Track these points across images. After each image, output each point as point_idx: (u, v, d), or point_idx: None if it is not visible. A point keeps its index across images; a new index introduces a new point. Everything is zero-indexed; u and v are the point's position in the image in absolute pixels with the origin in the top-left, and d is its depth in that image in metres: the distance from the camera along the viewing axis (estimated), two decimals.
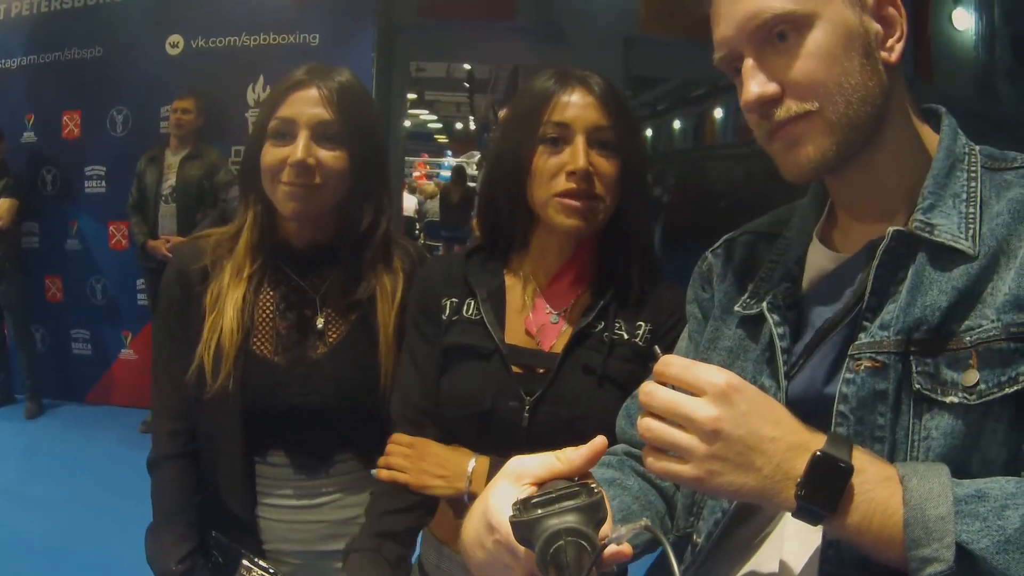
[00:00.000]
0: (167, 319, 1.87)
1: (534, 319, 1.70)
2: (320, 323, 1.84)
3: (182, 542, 1.80)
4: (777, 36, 1.07)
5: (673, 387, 1.01)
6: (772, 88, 1.07)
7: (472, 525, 1.03)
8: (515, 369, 1.66)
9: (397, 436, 1.74)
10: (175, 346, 1.84)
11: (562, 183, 1.61)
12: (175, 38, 6.62)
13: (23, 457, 5.90)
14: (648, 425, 1.01)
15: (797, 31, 1.06)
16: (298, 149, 1.72)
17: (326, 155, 1.75)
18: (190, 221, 5.86)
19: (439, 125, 26.90)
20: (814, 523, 0.95)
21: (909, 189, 1.11)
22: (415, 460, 1.68)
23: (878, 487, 0.93)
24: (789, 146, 1.10)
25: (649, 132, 14.91)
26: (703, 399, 0.97)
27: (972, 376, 0.98)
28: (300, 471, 1.83)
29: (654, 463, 1.02)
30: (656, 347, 1.07)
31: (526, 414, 1.61)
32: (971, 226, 1.05)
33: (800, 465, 0.94)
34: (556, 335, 1.69)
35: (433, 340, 1.74)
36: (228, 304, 1.78)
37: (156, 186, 6.04)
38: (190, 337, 1.80)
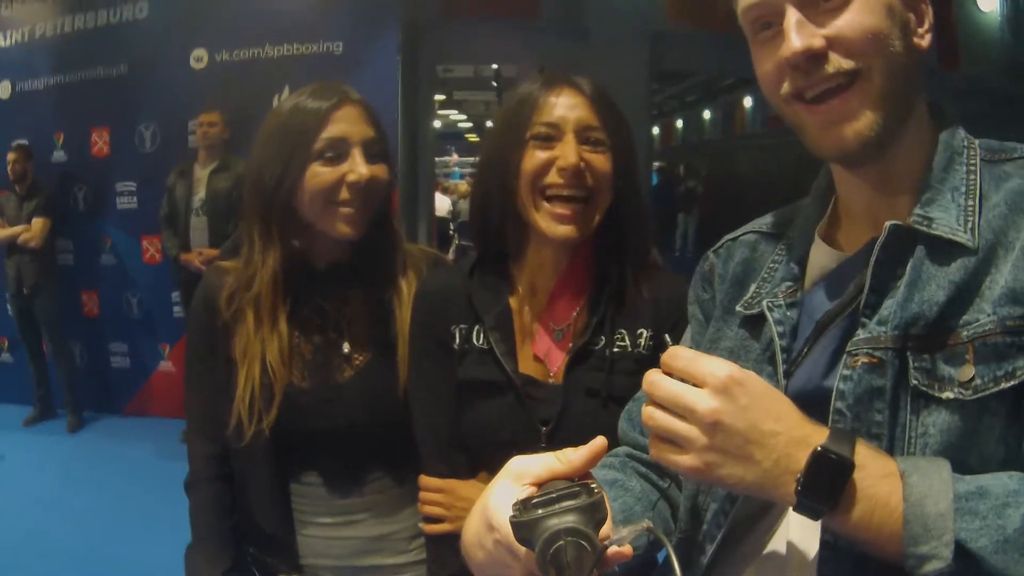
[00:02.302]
0: (196, 345, 1.88)
1: (540, 342, 1.69)
2: (346, 347, 1.82)
3: (219, 561, 1.83)
4: None
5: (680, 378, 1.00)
6: (819, 42, 1.04)
7: (472, 525, 1.03)
8: (529, 399, 1.66)
9: (426, 481, 1.75)
10: (205, 371, 1.85)
11: (552, 178, 1.60)
12: (199, 52, 6.67)
13: (65, 469, 5.96)
14: (651, 413, 1.01)
15: None
16: (360, 166, 1.71)
17: (377, 169, 1.75)
18: (221, 232, 5.90)
19: (469, 124, 26.92)
20: (814, 518, 0.94)
21: (912, 183, 1.10)
22: (448, 505, 1.70)
23: (879, 483, 0.92)
24: (834, 121, 1.07)
25: (680, 124, 14.85)
26: (704, 391, 0.96)
27: (968, 371, 0.97)
28: (334, 491, 1.83)
29: (656, 452, 1.02)
30: (667, 336, 1.07)
31: (543, 444, 1.61)
32: (970, 219, 1.04)
33: (801, 460, 0.93)
34: (563, 354, 1.68)
35: (448, 368, 1.72)
36: (268, 353, 1.75)
37: (186, 199, 6.09)
38: (217, 367, 1.81)
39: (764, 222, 1.35)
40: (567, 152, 1.58)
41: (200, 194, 6.07)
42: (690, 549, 1.23)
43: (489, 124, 26.50)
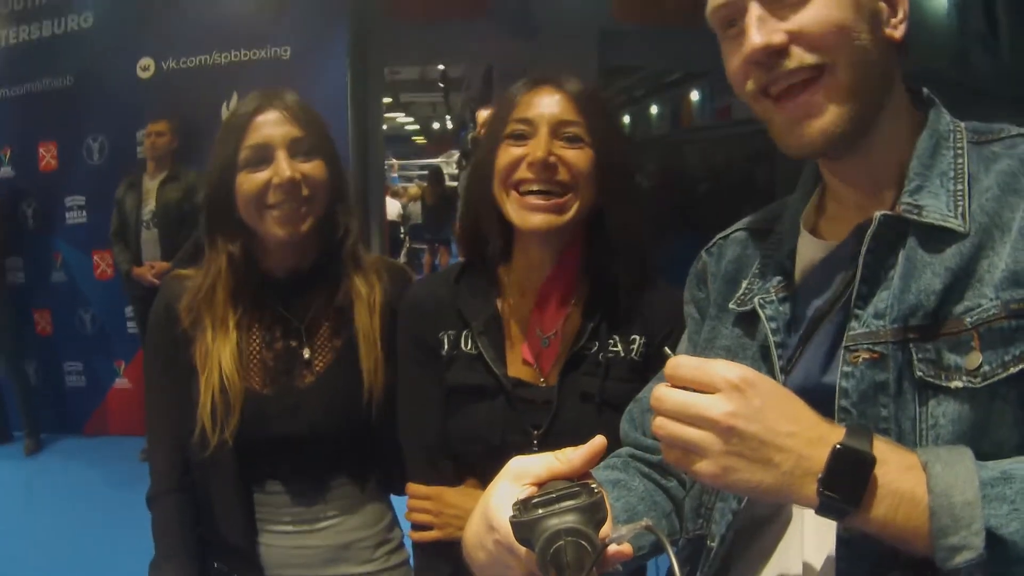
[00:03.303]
0: (156, 356, 1.88)
1: (529, 345, 1.68)
2: (307, 353, 1.84)
3: (183, 574, 1.81)
4: None
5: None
6: (779, 38, 1.05)
7: (473, 526, 1.03)
8: (519, 403, 1.65)
9: (413, 488, 1.75)
10: (166, 382, 1.85)
11: (521, 173, 1.59)
12: (146, 61, 6.56)
13: (24, 494, 5.84)
14: (662, 424, 0.98)
15: None
16: (283, 167, 1.72)
17: (307, 167, 1.76)
18: (173, 245, 5.82)
19: (416, 127, 26.93)
20: (838, 519, 0.93)
21: (898, 171, 1.10)
22: (436, 512, 1.70)
23: (901, 477, 0.90)
24: (799, 118, 1.07)
25: (627, 119, 14.92)
26: (716, 396, 0.94)
27: (975, 359, 0.97)
28: (297, 498, 1.84)
29: (670, 460, 1.00)
30: (666, 348, 1.06)
31: (535, 448, 1.60)
32: (960, 203, 1.03)
33: (820, 459, 0.91)
34: (552, 359, 1.67)
35: (436, 375, 1.72)
36: (223, 359, 1.77)
37: (136, 212, 5.98)
38: (177, 377, 1.81)
39: (753, 218, 1.35)
40: (537, 146, 1.58)
41: (150, 206, 5.97)
42: (698, 550, 1.22)
43: (436, 126, 26.69)
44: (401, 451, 1.79)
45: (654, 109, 14.81)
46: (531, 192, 1.58)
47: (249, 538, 1.82)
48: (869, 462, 0.89)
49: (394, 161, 24.65)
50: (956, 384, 0.97)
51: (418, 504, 1.73)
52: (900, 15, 1.10)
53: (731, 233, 1.36)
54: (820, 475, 0.90)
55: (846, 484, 0.90)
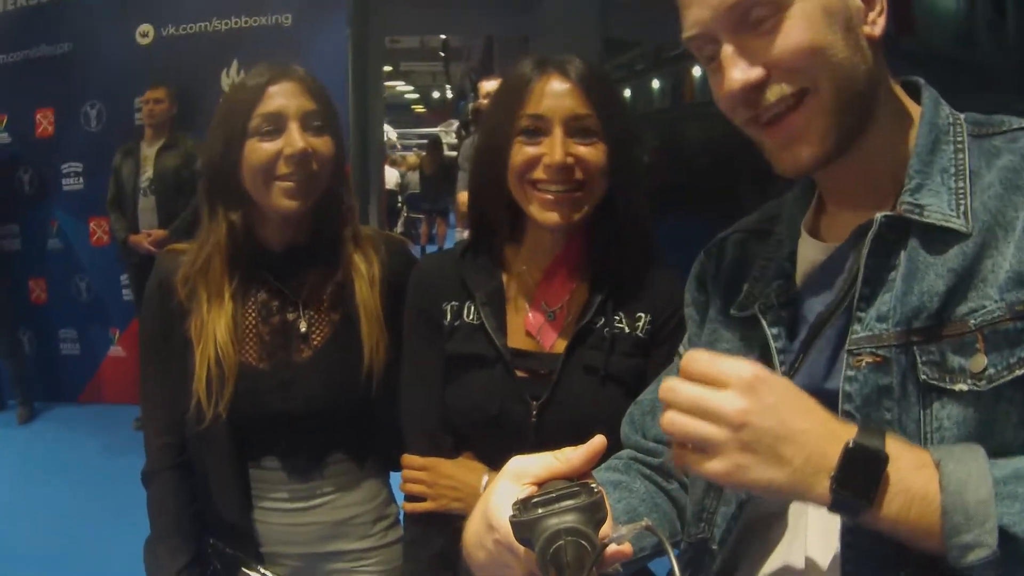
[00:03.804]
0: (151, 331, 1.87)
1: (533, 319, 1.69)
2: (303, 327, 1.82)
3: (179, 554, 1.81)
4: (754, 22, 1.02)
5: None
6: (756, 73, 1.03)
7: (473, 525, 1.03)
8: (519, 373, 1.65)
9: (408, 459, 1.75)
10: (161, 358, 1.84)
11: (539, 174, 1.59)
12: (145, 27, 6.50)
13: (17, 463, 5.84)
14: (672, 419, 0.96)
15: (775, 13, 1.01)
16: (296, 138, 1.70)
17: (318, 141, 1.74)
18: (170, 212, 5.80)
19: (415, 96, 26.87)
20: (851, 517, 0.92)
21: (896, 169, 1.07)
22: (431, 483, 1.70)
23: (914, 474, 0.89)
24: (786, 143, 1.06)
25: (628, 93, 14.87)
26: (729, 391, 0.93)
27: (980, 361, 0.95)
28: (293, 474, 1.83)
29: (680, 459, 0.99)
30: (681, 348, 1.07)
31: (533, 419, 1.62)
32: (962, 202, 1.02)
33: (833, 456, 0.90)
34: (556, 333, 1.68)
35: (437, 347, 1.72)
36: (217, 331, 1.75)
37: (133, 180, 5.95)
38: (173, 354, 1.80)
39: (752, 219, 1.33)
40: (554, 149, 1.57)
41: (147, 173, 5.93)
42: (700, 553, 1.21)
43: (436, 95, 26.63)
44: (400, 429, 1.78)
45: (655, 83, 14.77)
46: (549, 191, 1.59)
47: (245, 514, 1.82)
48: (882, 459, 0.89)
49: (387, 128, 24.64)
50: (961, 387, 0.96)
51: (413, 475, 1.72)
52: (877, 8, 1.07)
53: (730, 235, 1.34)
54: (833, 472, 0.89)
55: (859, 481, 0.89)
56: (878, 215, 1.03)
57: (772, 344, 1.13)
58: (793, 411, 0.93)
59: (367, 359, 1.80)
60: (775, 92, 1.03)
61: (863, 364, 1.00)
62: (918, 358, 0.98)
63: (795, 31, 1.00)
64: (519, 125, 1.60)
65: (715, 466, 0.94)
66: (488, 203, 1.71)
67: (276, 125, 1.71)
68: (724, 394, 0.93)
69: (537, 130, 1.59)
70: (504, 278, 1.73)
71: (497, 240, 1.74)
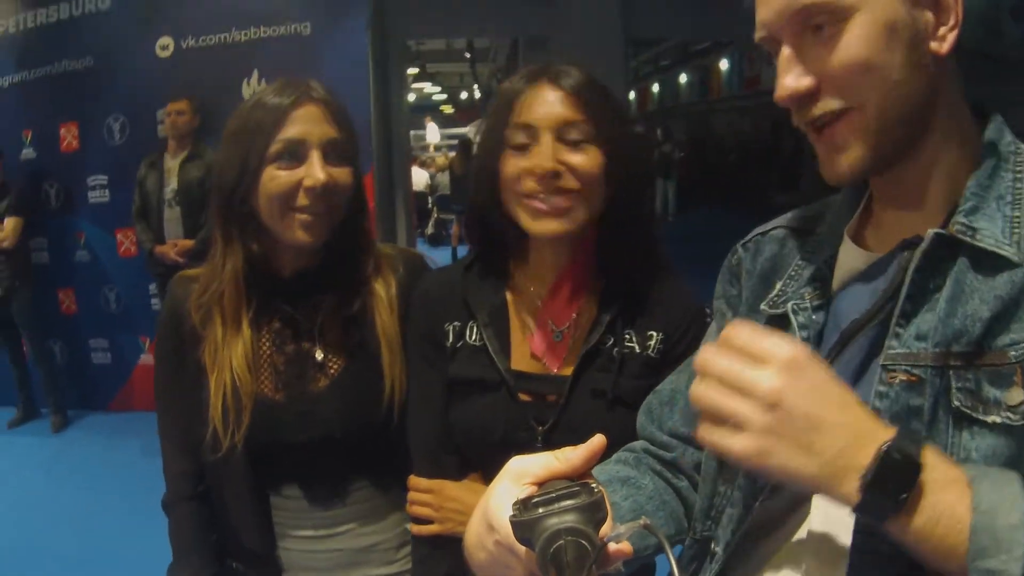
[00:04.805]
0: (165, 360, 1.83)
1: (538, 339, 1.65)
2: (319, 355, 1.76)
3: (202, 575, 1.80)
4: (815, 27, 1.01)
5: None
6: (806, 83, 1.02)
7: (474, 527, 1.03)
8: (524, 397, 1.62)
9: (415, 481, 1.72)
10: (176, 388, 1.80)
11: (527, 185, 1.54)
12: (165, 40, 6.56)
13: (50, 469, 5.95)
14: (704, 391, 0.94)
15: (835, 23, 0.99)
16: (317, 170, 1.62)
17: (338, 172, 1.67)
18: (196, 223, 5.84)
19: (443, 96, 26.89)
20: (877, 521, 0.88)
21: (951, 187, 1.05)
22: (437, 506, 1.67)
23: (946, 489, 0.86)
24: (829, 151, 1.05)
25: (656, 88, 14.81)
26: (768, 368, 0.90)
27: (1017, 395, 0.92)
28: (316, 503, 1.79)
29: (705, 434, 0.95)
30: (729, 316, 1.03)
31: (539, 444, 1.57)
32: (1016, 231, 0.98)
33: (866, 455, 0.86)
34: (563, 354, 1.63)
35: (441, 368, 1.69)
36: (233, 358, 1.70)
37: (158, 191, 6.00)
38: (187, 380, 1.76)
39: (794, 217, 1.29)
40: (542, 156, 1.52)
41: (172, 185, 5.98)
42: (705, 550, 1.21)
43: (464, 95, 26.62)
44: None
45: (683, 79, 14.70)
46: (539, 199, 1.54)
47: (267, 544, 1.79)
48: (917, 467, 0.85)
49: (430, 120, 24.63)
50: (994, 419, 0.93)
51: (419, 497, 1.70)
52: (952, 21, 1.01)
53: (770, 230, 1.30)
54: (864, 472, 0.86)
55: (890, 486, 0.85)
56: (931, 231, 1.00)
57: None
58: (830, 401, 0.90)
59: (388, 388, 1.75)
60: (821, 106, 1.02)
61: (896, 381, 0.98)
62: (953, 383, 0.95)
63: (851, 46, 0.99)
64: (509, 137, 1.57)
65: (740, 444, 0.90)
66: (488, 219, 1.66)
67: (297, 153, 1.63)
68: (761, 371, 0.90)
69: (526, 143, 1.55)
70: (508, 296, 1.69)
71: (500, 256, 1.71)
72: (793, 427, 0.88)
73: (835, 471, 0.87)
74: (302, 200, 1.63)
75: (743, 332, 0.93)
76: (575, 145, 1.54)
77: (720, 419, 0.92)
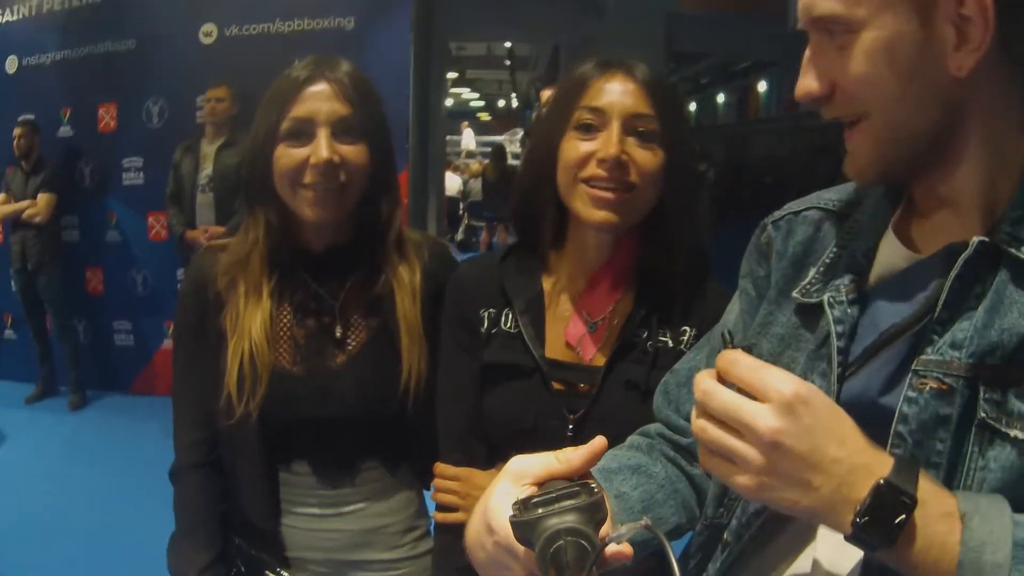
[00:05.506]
0: (185, 327, 1.83)
1: (573, 329, 1.64)
2: (339, 332, 1.77)
3: (204, 551, 1.79)
4: (831, 32, 0.99)
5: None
6: (817, 88, 1.02)
7: (473, 527, 1.04)
8: (556, 386, 1.61)
9: (441, 467, 1.71)
10: (194, 354, 1.80)
11: (591, 170, 1.53)
12: (209, 27, 6.60)
13: (66, 447, 5.99)
14: (704, 427, 0.94)
15: (847, 33, 0.98)
16: (321, 148, 1.64)
17: (348, 150, 1.68)
18: (228, 209, 5.82)
19: (481, 103, 26.99)
20: (869, 551, 0.89)
21: (995, 195, 1.00)
22: (463, 494, 1.66)
23: (938, 522, 0.86)
24: (848, 151, 1.05)
25: (693, 107, 14.79)
26: (766, 407, 0.89)
27: None
28: (324, 481, 1.79)
29: (707, 464, 0.96)
30: (727, 330, 1.02)
31: (570, 434, 1.57)
32: None
33: (862, 490, 0.87)
34: (596, 345, 1.63)
35: (474, 354, 1.68)
36: (252, 327, 1.71)
37: (192, 176, 6.03)
38: (206, 349, 1.76)
39: (829, 198, 1.24)
40: (609, 143, 1.51)
41: (207, 170, 6.00)
42: (714, 537, 1.19)
43: (501, 103, 26.73)
44: (436, 440, 1.75)
45: (720, 98, 14.67)
46: (600, 187, 1.53)
47: (272, 519, 1.78)
48: (911, 504, 0.85)
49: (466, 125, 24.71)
50: (1016, 433, 0.91)
51: (445, 484, 1.69)
52: (973, 44, 0.94)
53: (804, 210, 1.25)
54: (858, 507, 0.86)
55: (883, 521, 0.85)
56: (975, 239, 0.96)
57: (834, 342, 1.07)
58: (829, 437, 0.89)
59: (405, 374, 1.75)
60: (831, 110, 1.03)
61: (927, 388, 0.95)
62: (981, 394, 0.93)
63: (856, 60, 0.98)
64: (575, 118, 1.56)
65: (740, 481, 0.92)
66: (535, 203, 1.65)
67: (304, 130, 1.66)
68: (760, 409, 0.89)
69: (593, 124, 1.54)
70: (545, 285, 1.68)
71: (541, 244, 1.69)
72: (791, 467, 0.89)
73: (832, 505, 0.88)
74: (308, 177, 1.66)
75: (743, 363, 0.93)
76: (642, 139, 1.54)
77: (721, 454, 0.93)
